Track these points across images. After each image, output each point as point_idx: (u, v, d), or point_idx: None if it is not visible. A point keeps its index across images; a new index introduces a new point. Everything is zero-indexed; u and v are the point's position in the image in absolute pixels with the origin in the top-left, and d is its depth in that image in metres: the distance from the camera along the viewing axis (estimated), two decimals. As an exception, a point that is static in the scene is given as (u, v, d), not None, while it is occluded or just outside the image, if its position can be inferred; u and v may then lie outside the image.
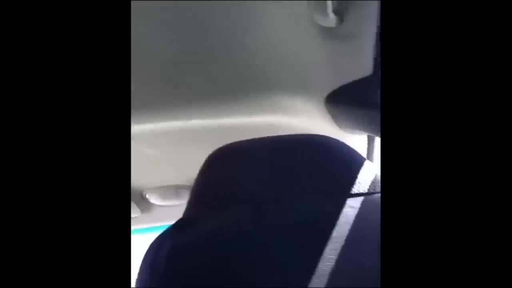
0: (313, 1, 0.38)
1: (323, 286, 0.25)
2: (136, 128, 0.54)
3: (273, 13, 0.42)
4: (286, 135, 0.37)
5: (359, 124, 0.51)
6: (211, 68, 0.48)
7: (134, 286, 0.29)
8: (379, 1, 0.39)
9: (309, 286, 0.25)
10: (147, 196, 0.79)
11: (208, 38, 0.44)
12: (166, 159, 0.67)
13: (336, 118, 0.54)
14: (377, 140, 0.66)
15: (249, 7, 0.41)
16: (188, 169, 0.71)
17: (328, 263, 0.26)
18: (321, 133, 0.38)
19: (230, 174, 0.34)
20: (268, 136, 0.38)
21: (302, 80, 0.49)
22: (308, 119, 0.56)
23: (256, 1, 0.41)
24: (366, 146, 0.68)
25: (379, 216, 0.28)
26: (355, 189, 0.32)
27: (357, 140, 0.64)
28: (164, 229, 0.32)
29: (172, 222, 0.32)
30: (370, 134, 0.62)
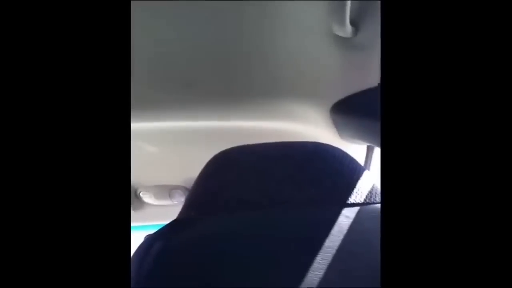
0: (332, 11, 0.38)
1: None
2: (140, 126, 0.53)
3: (291, 20, 0.42)
4: (288, 142, 0.37)
5: (360, 134, 0.51)
6: (222, 70, 0.47)
7: None
8: None
9: None
10: (141, 194, 0.78)
11: (222, 40, 0.44)
12: (164, 159, 0.67)
13: (339, 127, 0.53)
14: (377, 150, 0.66)
15: (267, 12, 0.41)
16: (185, 171, 0.70)
17: (317, 273, 0.25)
18: (324, 141, 0.38)
19: (229, 179, 0.33)
20: (270, 142, 0.37)
21: (312, 88, 0.49)
22: (314, 126, 0.56)
23: (276, 7, 0.41)
24: (364, 155, 0.68)
25: (373, 226, 0.28)
26: (352, 198, 0.31)
27: (356, 149, 0.65)
28: (155, 228, 0.31)
29: (163, 222, 0.32)
30: (370, 144, 0.62)
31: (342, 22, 0.38)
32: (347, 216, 0.29)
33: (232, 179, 0.33)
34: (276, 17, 0.42)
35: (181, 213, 0.33)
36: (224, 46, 0.44)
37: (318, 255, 0.26)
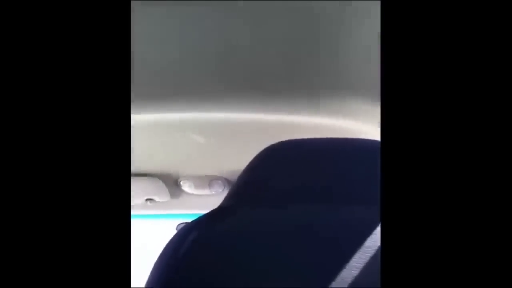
0: None
1: None
2: (189, 116, 0.54)
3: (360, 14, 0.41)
4: (340, 138, 0.36)
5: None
6: (291, 64, 0.47)
7: (154, 265, 0.29)
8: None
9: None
10: (181, 183, 0.79)
11: (290, 36, 0.44)
12: (209, 149, 0.67)
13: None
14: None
15: (337, 7, 0.40)
16: (228, 162, 0.70)
17: (353, 272, 0.25)
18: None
19: (275, 172, 0.33)
20: (321, 138, 0.36)
21: (373, 85, 0.48)
22: (374, 125, 0.55)
23: (346, 5, 0.40)
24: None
25: None
26: None
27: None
28: (189, 217, 0.31)
29: (199, 211, 0.32)
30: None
31: None
32: None
33: (279, 172, 0.32)
34: (349, 12, 0.41)
35: (222, 203, 0.33)
36: (291, 42, 0.44)
37: (356, 255, 0.26)
